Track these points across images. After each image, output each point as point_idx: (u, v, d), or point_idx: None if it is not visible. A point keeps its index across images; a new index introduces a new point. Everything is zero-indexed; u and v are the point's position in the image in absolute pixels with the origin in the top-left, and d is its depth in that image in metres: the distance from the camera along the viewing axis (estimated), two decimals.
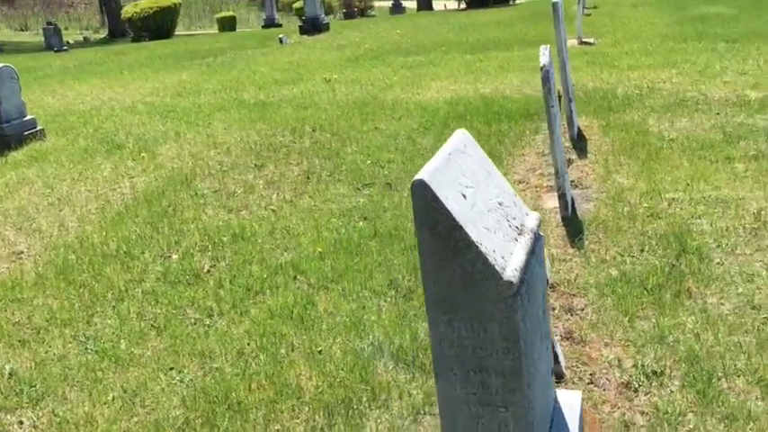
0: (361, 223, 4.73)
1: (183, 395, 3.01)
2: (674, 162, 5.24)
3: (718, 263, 3.67)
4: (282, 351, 3.28)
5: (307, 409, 2.83)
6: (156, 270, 4.30)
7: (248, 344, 3.38)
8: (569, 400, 1.91)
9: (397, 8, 29.57)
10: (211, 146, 6.89)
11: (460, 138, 1.67)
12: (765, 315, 3.16)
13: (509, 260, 1.49)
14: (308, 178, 5.75)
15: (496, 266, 1.44)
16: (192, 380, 3.13)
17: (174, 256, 4.48)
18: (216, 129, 7.58)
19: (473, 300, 1.48)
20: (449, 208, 1.40)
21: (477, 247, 1.42)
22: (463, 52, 12.01)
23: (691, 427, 2.50)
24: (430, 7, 29.54)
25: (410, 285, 3.79)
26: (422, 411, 2.74)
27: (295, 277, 4.05)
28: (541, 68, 4.19)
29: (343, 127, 7.16)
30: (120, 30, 30.18)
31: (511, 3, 25.50)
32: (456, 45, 13.17)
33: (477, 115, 7.03)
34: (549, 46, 4.39)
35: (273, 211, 5.14)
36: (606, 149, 5.69)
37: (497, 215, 1.56)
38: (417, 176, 1.42)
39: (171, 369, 3.24)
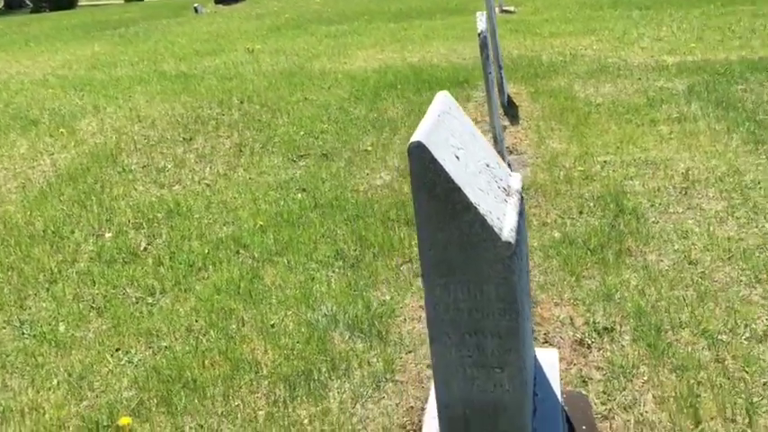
0: (299, 195, 4.67)
1: (133, 376, 2.91)
2: (602, 126, 5.39)
3: (653, 221, 3.81)
4: (233, 326, 3.21)
5: (266, 382, 2.79)
6: (89, 249, 4.12)
7: (196, 321, 3.29)
8: (548, 359, 1.94)
9: None
10: (135, 120, 6.63)
11: (444, 100, 1.64)
12: (702, 269, 3.31)
13: (504, 221, 1.48)
14: (241, 151, 5.62)
15: (495, 228, 1.43)
16: (141, 360, 3.03)
17: (108, 235, 4.30)
18: (138, 102, 7.29)
19: (470, 262, 1.47)
20: (447, 170, 1.38)
21: (476, 208, 1.40)
22: (386, 21, 11.95)
23: (645, 379, 2.59)
24: None
25: (357, 255, 3.77)
26: (384, 379, 2.74)
27: (237, 251, 3.96)
28: (479, 35, 4.21)
29: (272, 98, 7.01)
30: (17, 0, 28.49)
31: None
32: (378, 14, 13.09)
33: (408, 84, 7.02)
34: (485, 12, 4.41)
35: (208, 185, 5.00)
36: (537, 115, 5.80)
37: (487, 176, 1.55)
38: (414, 139, 1.39)
39: (117, 350, 3.12)
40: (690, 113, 5.47)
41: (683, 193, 4.14)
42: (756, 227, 3.66)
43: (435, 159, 1.37)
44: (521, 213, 1.60)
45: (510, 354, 1.54)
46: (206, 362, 2.96)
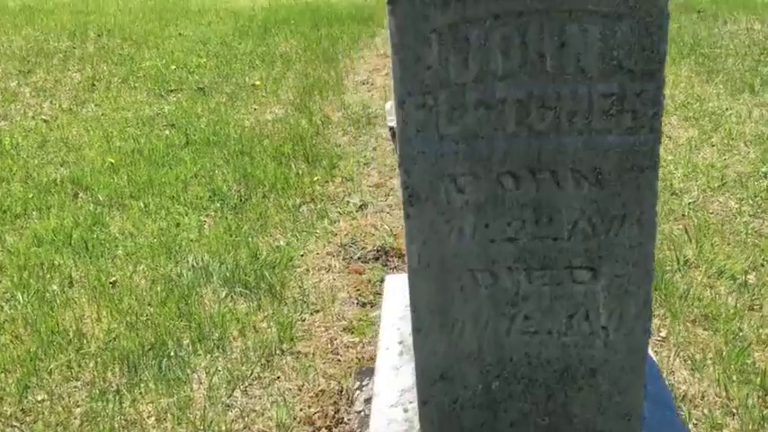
0: (167, 131, 3.64)
1: None
2: None
3: None
4: (54, 287, 2.18)
5: (92, 364, 1.79)
6: None
7: None
8: None
9: None
10: None
11: None
12: (691, 200, 2.57)
13: None
14: (94, 85, 4.48)
15: None
16: None
17: None
18: None
19: None
20: None
21: None
22: None
23: (664, 335, 1.79)
24: None
25: (241, 195, 2.82)
26: (278, 351, 1.80)
27: (76, 195, 2.91)
28: None
29: (138, 32, 5.84)
30: None
31: None
32: None
33: (303, 19, 6.04)
34: None
35: (45, 121, 3.86)
36: None
37: None
38: None
39: None
40: None
41: None
42: (739, 154, 2.97)
43: None
44: None
45: (636, 225, 0.61)
46: (1, 338, 1.92)
